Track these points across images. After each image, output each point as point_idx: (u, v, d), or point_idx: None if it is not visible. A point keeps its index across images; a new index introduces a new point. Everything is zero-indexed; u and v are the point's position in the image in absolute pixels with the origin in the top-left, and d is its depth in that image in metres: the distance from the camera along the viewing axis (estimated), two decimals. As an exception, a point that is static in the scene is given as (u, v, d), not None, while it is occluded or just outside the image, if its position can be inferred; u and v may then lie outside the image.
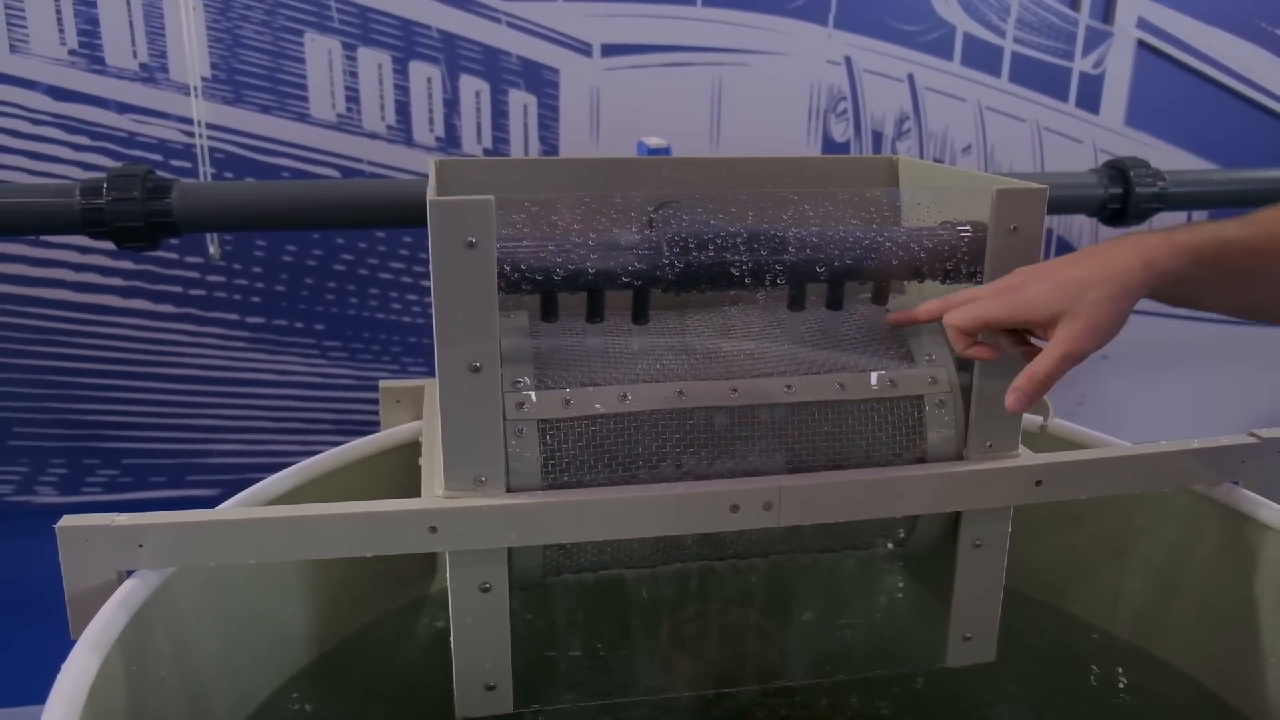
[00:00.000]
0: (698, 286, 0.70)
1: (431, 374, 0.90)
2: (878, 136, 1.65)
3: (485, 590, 0.70)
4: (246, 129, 1.46)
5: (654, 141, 0.92)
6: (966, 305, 0.66)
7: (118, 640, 0.62)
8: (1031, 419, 0.87)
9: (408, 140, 1.51)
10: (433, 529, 0.67)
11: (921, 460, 0.73)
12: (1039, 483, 0.74)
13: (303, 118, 1.47)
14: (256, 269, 1.52)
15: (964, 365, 0.73)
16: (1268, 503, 0.77)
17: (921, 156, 1.66)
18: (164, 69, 1.42)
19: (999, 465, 0.73)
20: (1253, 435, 0.79)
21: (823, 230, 0.71)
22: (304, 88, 1.46)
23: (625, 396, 0.69)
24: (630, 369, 0.71)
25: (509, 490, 0.68)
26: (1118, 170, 1.34)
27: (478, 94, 1.52)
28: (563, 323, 0.73)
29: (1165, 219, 1.73)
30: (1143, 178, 1.31)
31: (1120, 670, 0.86)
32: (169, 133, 1.45)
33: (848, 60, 1.61)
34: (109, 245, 1.45)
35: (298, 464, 0.81)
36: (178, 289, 1.51)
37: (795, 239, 0.70)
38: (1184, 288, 0.64)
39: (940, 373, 0.73)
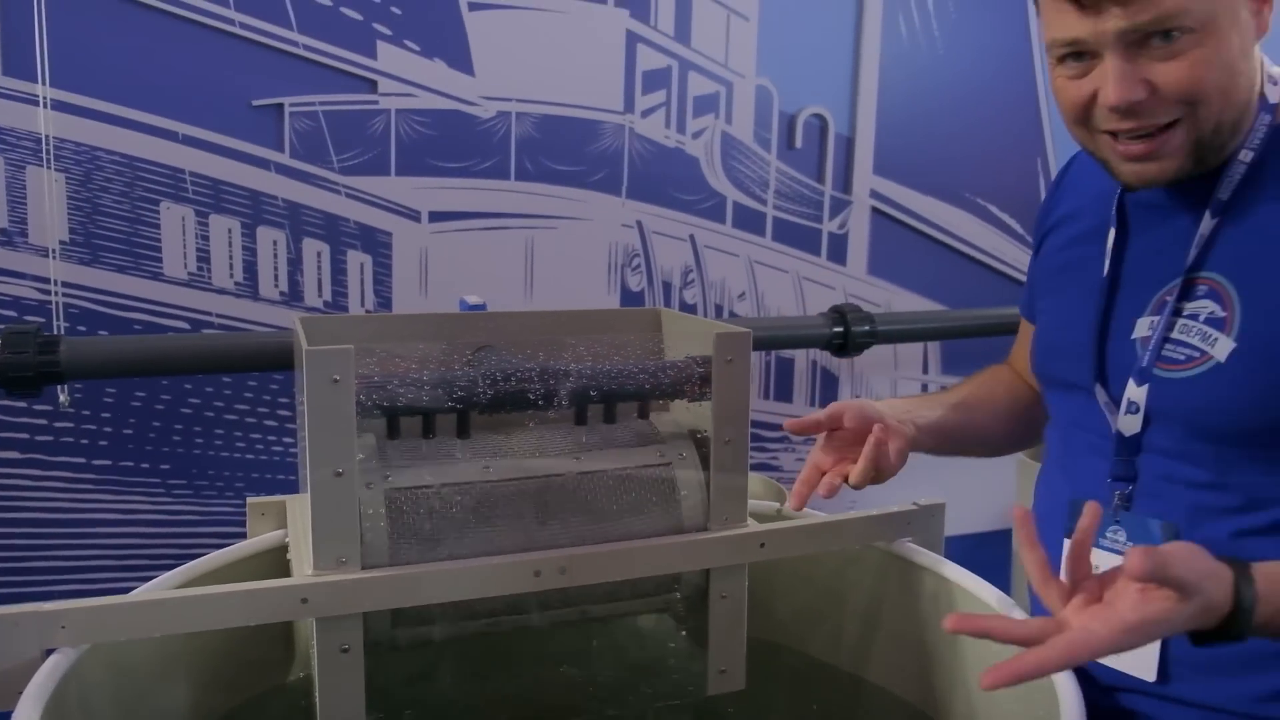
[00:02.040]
0: (504, 409, 0.98)
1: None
2: (667, 286, 2.02)
3: (345, 651, 0.93)
4: (101, 286, 1.67)
5: (473, 299, 1.21)
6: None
7: (48, 701, 0.81)
8: (769, 505, 1.19)
9: (254, 295, 1.76)
10: (304, 600, 0.91)
11: (678, 532, 1.02)
12: (763, 545, 1.04)
13: (156, 276, 1.70)
14: (105, 414, 1.70)
15: (705, 464, 1.03)
16: (926, 552, 1.10)
17: (704, 303, 2.03)
18: (23, 233, 1.62)
19: (733, 533, 1.03)
20: (915, 504, 1.13)
21: (595, 365, 1.01)
22: (158, 249, 1.69)
23: (453, 493, 0.95)
24: (452, 474, 0.97)
25: (364, 568, 0.92)
26: (838, 313, 1.74)
27: (319, 254, 1.79)
28: (404, 440, 0.99)
29: (880, 350, 2.16)
30: (856, 319, 1.71)
31: (843, 695, 1.16)
32: (25, 290, 1.63)
33: (639, 224, 1.99)
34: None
35: (183, 565, 1.02)
36: (24, 436, 1.66)
37: (575, 372, 1.00)
38: (941, 436, 1.13)
39: (690, 471, 1.03)
